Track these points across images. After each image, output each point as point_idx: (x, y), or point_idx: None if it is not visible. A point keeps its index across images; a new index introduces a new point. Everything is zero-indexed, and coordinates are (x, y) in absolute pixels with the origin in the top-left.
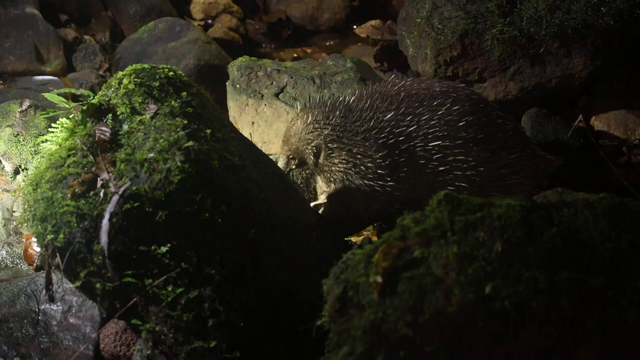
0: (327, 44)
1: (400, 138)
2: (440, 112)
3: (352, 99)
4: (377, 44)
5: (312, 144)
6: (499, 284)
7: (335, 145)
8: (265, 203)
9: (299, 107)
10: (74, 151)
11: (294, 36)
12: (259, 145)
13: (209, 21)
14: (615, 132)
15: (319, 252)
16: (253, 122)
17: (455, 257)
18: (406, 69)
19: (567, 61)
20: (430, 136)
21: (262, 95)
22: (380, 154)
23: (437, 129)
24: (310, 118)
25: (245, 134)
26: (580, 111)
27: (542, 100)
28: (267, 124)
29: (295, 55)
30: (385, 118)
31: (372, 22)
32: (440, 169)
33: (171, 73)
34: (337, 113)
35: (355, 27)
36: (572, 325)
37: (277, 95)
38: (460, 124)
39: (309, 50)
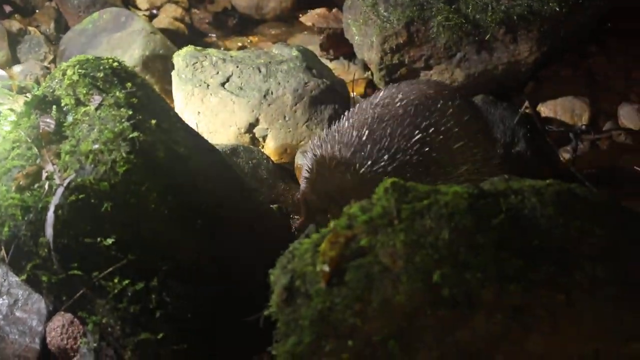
0: (273, 32)
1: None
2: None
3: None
4: (322, 32)
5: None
6: (447, 272)
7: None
8: (212, 193)
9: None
10: (18, 143)
11: (240, 25)
12: (205, 135)
13: (154, 11)
14: (563, 118)
15: (267, 243)
16: (199, 112)
17: (403, 245)
18: (353, 57)
19: (513, 48)
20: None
21: (208, 85)
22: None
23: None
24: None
25: (191, 124)
26: (527, 98)
27: (489, 87)
28: (213, 113)
29: (240, 44)
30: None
31: (318, 11)
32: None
33: (115, 64)
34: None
35: (301, 15)
36: (521, 312)
37: (223, 84)
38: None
39: (254, 40)
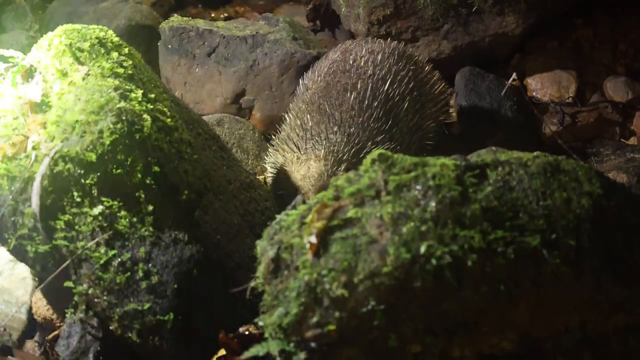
0: (259, 3)
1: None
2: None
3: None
4: (309, 3)
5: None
6: (433, 244)
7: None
8: (199, 164)
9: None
10: (3, 113)
11: None
12: (191, 105)
13: None
14: (550, 91)
15: (253, 213)
16: (185, 83)
17: (390, 217)
18: (339, 27)
19: (500, 20)
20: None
21: (194, 56)
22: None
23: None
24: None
25: (178, 94)
26: (513, 70)
27: (475, 59)
28: (199, 84)
29: (227, 15)
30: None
31: None
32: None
33: (102, 34)
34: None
35: None
36: (507, 284)
37: (209, 55)
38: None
39: (241, 10)
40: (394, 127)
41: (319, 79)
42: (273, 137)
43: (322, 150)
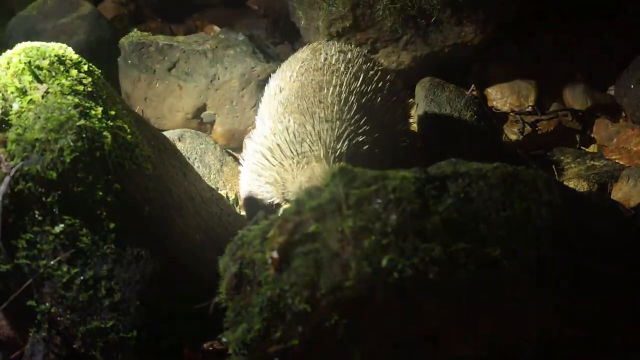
0: (219, 17)
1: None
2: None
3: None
4: (268, 16)
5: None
6: (395, 257)
7: None
8: (160, 180)
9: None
10: None
11: (186, 10)
12: (152, 120)
13: None
14: (509, 100)
15: (215, 229)
16: (146, 98)
17: (351, 231)
18: (299, 40)
19: (459, 30)
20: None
21: (155, 71)
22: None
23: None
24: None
25: (138, 110)
26: (473, 79)
27: (435, 69)
28: (160, 99)
29: (187, 29)
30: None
31: None
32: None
33: (61, 51)
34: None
35: None
36: (468, 296)
37: (169, 70)
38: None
39: (200, 24)
40: (370, 121)
41: (292, 79)
42: (241, 157)
43: (321, 150)
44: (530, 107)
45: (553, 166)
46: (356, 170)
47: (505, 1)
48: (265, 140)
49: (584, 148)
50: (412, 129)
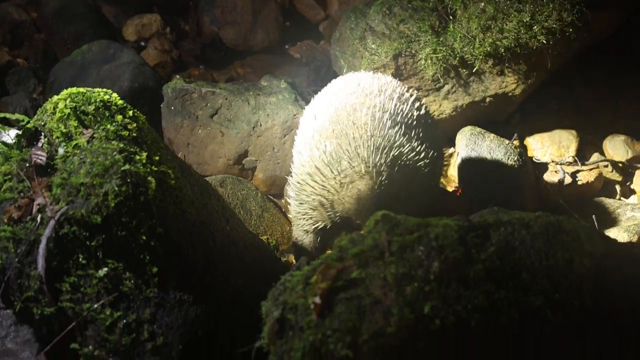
0: (261, 64)
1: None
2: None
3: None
4: (310, 63)
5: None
6: (437, 304)
7: None
8: (203, 225)
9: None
10: (9, 176)
11: (228, 57)
12: (194, 167)
13: (142, 43)
14: (550, 150)
15: (255, 274)
16: (188, 144)
17: (393, 278)
18: None
19: (501, 80)
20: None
21: (197, 117)
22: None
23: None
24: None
25: (181, 155)
26: (514, 129)
27: (476, 119)
28: (202, 145)
29: (229, 76)
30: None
31: (305, 42)
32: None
33: (106, 97)
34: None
35: (288, 47)
36: (511, 344)
37: (211, 116)
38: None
39: (241, 71)
40: (407, 140)
41: (325, 105)
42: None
43: (361, 165)
44: (570, 158)
45: (593, 216)
46: (399, 217)
47: (547, 53)
48: (304, 168)
49: (624, 199)
50: (451, 176)
